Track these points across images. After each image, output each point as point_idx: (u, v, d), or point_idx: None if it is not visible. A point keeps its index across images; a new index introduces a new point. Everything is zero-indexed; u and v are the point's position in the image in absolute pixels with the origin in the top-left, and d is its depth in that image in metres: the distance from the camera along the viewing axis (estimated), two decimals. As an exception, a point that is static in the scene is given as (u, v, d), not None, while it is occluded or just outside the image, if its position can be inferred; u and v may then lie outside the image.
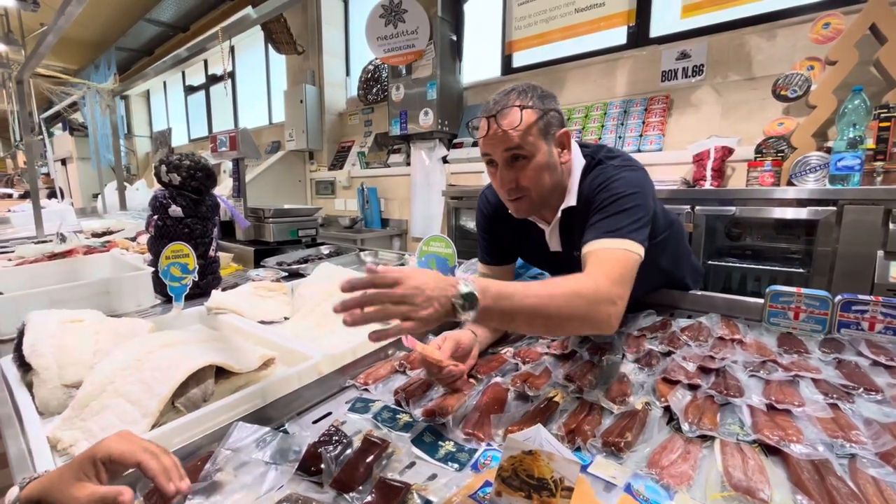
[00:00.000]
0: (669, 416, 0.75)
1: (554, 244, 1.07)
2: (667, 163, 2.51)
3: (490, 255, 1.16)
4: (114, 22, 6.42)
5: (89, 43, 7.32)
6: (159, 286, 1.44)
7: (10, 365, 0.87)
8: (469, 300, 0.64)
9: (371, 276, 0.61)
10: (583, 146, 1.02)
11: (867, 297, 1.02)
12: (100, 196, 4.90)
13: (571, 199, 0.97)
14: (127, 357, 0.77)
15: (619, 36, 2.83)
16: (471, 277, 0.67)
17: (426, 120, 3.31)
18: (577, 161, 0.98)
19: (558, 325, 0.73)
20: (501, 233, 1.13)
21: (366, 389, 0.87)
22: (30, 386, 0.81)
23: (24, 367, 0.83)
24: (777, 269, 1.99)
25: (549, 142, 0.91)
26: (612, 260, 0.81)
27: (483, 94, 3.46)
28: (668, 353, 0.96)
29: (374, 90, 4.19)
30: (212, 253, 1.58)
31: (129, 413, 0.68)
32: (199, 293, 1.42)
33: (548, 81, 3.11)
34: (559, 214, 1.00)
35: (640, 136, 2.62)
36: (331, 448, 0.62)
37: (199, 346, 0.83)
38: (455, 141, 3.44)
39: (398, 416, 0.77)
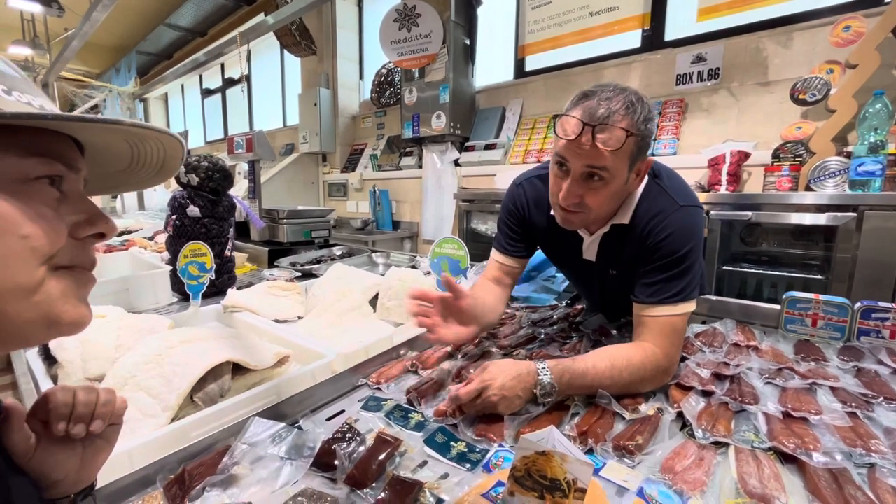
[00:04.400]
0: (683, 421, 0.75)
1: (589, 254, 1.03)
2: (681, 167, 2.46)
3: (511, 246, 1.11)
4: (135, 27, 6.59)
5: (111, 47, 7.54)
6: (176, 284, 1.47)
7: (35, 358, 0.90)
8: (547, 389, 0.77)
9: (454, 395, 0.76)
10: None
11: (888, 305, 1.00)
12: (119, 196, 5.02)
13: (625, 217, 0.92)
14: (147, 352, 0.79)
15: (633, 39, 2.82)
16: (548, 363, 0.79)
17: (438, 123, 3.33)
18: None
19: (625, 392, 0.82)
20: (531, 228, 1.09)
21: (378, 388, 0.88)
22: (55, 379, 0.84)
23: (50, 360, 0.86)
24: (795, 275, 1.95)
25: (632, 168, 0.85)
26: (671, 332, 0.86)
27: (496, 97, 3.47)
28: (682, 359, 0.95)
29: (387, 93, 4.23)
30: (227, 252, 1.61)
31: (150, 406, 0.70)
32: (214, 292, 1.45)
33: (560, 85, 3.11)
34: (607, 228, 0.96)
35: (654, 139, 2.60)
36: (344, 445, 0.63)
37: (217, 342, 0.85)
38: (467, 144, 3.45)
39: (410, 415, 0.77)
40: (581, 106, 0.81)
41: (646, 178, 0.93)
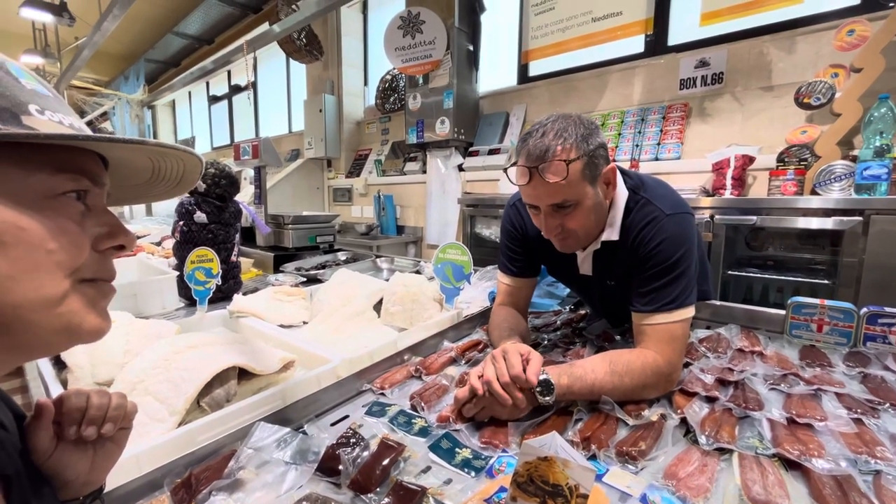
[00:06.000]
0: (686, 427, 0.75)
1: (585, 269, 1.05)
2: (685, 171, 2.48)
3: (515, 267, 1.13)
4: (143, 35, 6.69)
5: (120, 55, 7.64)
6: (183, 289, 1.49)
7: (45, 362, 0.91)
8: (546, 386, 0.76)
9: (455, 401, 0.78)
10: (622, 173, 0.96)
11: (894, 310, 0.99)
12: (127, 202, 5.06)
13: (613, 234, 0.94)
14: (155, 357, 0.80)
15: (636, 44, 2.83)
16: (545, 367, 0.79)
17: (442, 128, 3.35)
18: (621, 192, 0.94)
19: (628, 398, 0.81)
20: (529, 247, 1.11)
21: (382, 394, 0.89)
22: (64, 383, 0.85)
23: (60, 364, 0.87)
24: (801, 279, 1.94)
25: (595, 184, 0.87)
26: (671, 339, 0.86)
27: (499, 102, 3.49)
28: (686, 365, 0.95)
29: (392, 99, 4.26)
30: (233, 258, 1.62)
31: (158, 411, 0.71)
32: (220, 297, 1.46)
33: (564, 90, 3.12)
34: (598, 245, 0.98)
35: (658, 144, 2.60)
36: (348, 450, 0.64)
37: (223, 347, 0.86)
38: (471, 149, 3.46)
39: (413, 420, 0.78)
40: (523, 152, 0.86)
41: (627, 191, 0.94)
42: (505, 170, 0.91)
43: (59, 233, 0.34)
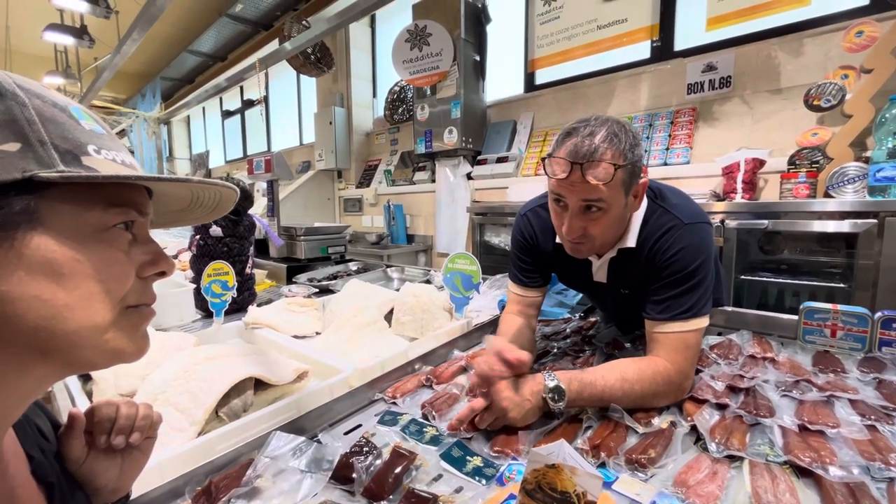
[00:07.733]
0: (697, 435, 0.75)
1: (599, 276, 1.05)
2: (695, 176, 2.47)
3: (526, 277, 1.13)
4: (159, 54, 6.89)
5: (137, 74, 7.88)
6: (200, 302, 1.53)
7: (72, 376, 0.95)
8: (557, 392, 0.78)
9: (465, 412, 0.78)
10: None
11: (909, 315, 0.98)
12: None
13: (630, 241, 0.94)
14: (175, 369, 0.83)
15: (642, 51, 2.84)
16: (555, 373, 0.80)
17: (450, 138, 3.38)
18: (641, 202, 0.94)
19: (638, 405, 0.82)
20: (541, 257, 1.11)
21: (394, 403, 0.90)
22: (89, 395, 0.88)
23: (85, 377, 0.91)
24: (816, 283, 1.91)
25: (627, 194, 0.87)
26: (684, 348, 0.86)
27: (507, 111, 3.52)
28: (697, 372, 0.95)
29: (400, 110, 4.32)
30: (248, 270, 1.66)
31: (178, 421, 0.74)
32: (236, 309, 1.50)
33: (570, 97, 3.14)
34: (614, 253, 0.98)
35: (667, 149, 2.60)
36: (362, 458, 0.66)
37: (240, 359, 0.89)
38: (479, 158, 3.49)
39: (425, 429, 0.79)
40: (566, 145, 0.84)
41: (646, 200, 0.94)
42: (543, 159, 0.88)
43: (110, 263, 0.36)
